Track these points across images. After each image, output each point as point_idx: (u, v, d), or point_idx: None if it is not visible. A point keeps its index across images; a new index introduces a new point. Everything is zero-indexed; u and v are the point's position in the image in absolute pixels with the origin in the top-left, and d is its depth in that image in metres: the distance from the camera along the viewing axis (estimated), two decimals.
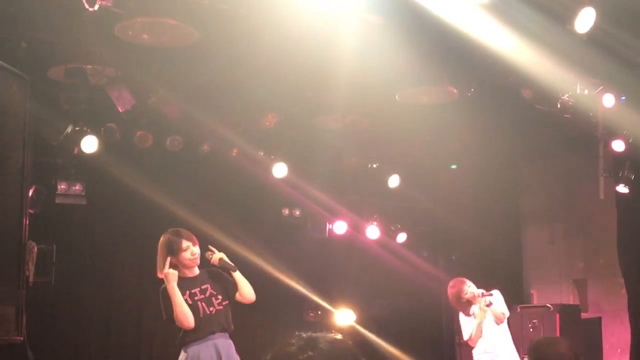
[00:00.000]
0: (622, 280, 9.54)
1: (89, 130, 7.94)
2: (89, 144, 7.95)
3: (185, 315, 5.24)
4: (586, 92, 7.67)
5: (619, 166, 8.81)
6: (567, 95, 7.77)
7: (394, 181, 10.18)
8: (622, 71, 7.29)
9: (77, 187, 8.45)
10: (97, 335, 9.11)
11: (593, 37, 6.32)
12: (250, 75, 7.43)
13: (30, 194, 6.86)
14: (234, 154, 9.18)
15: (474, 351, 7.43)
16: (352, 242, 10.75)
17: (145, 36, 6.35)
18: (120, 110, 7.52)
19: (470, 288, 7.34)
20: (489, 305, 7.23)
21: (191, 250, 5.37)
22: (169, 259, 5.31)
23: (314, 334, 1.78)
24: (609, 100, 7.76)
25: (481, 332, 7.32)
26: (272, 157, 9.30)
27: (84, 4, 5.46)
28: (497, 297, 7.34)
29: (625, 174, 8.81)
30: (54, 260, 7.72)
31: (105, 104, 7.59)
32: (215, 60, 7.03)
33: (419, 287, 10.56)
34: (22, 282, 4.87)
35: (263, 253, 9.19)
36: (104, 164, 8.19)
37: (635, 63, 7.19)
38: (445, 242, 11.44)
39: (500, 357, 7.27)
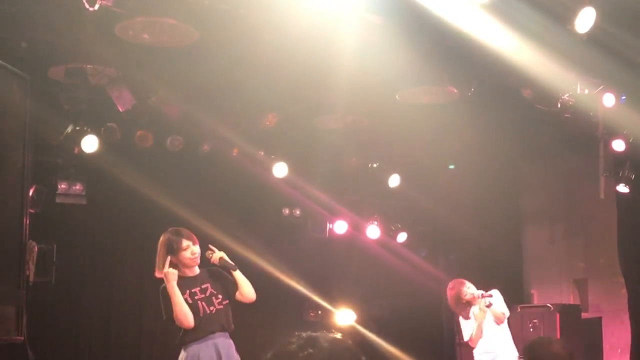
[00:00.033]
0: (622, 280, 9.54)
1: (89, 130, 7.94)
2: (90, 144, 7.95)
3: (185, 314, 5.24)
4: (586, 91, 7.66)
5: (619, 166, 8.81)
6: (567, 95, 7.77)
7: (394, 181, 10.18)
8: (623, 71, 7.28)
9: (78, 187, 8.46)
10: (97, 335, 9.12)
11: (593, 37, 6.32)
12: (251, 75, 7.43)
13: (30, 193, 6.86)
14: (234, 154, 9.18)
15: (474, 351, 7.43)
16: (353, 242, 10.76)
17: (145, 36, 6.36)
18: (120, 110, 7.53)
19: (469, 289, 7.33)
20: (489, 306, 7.23)
21: (191, 250, 5.37)
22: (168, 258, 5.31)
23: (313, 333, 1.79)
24: (609, 99, 7.76)
25: (481, 333, 7.32)
26: (273, 156, 9.30)
27: (84, 3, 5.46)
28: (496, 297, 7.34)
29: (626, 174, 8.81)
30: (54, 260, 7.73)
31: (105, 104, 7.59)
32: (215, 60, 7.03)
33: (419, 286, 10.56)
34: (22, 282, 4.88)
35: (263, 253, 9.19)
36: (104, 163, 8.19)
37: (636, 63, 7.18)
38: (445, 242, 11.44)
39: (501, 357, 7.27)
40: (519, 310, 9.46)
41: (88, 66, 7.19)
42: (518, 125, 9.27)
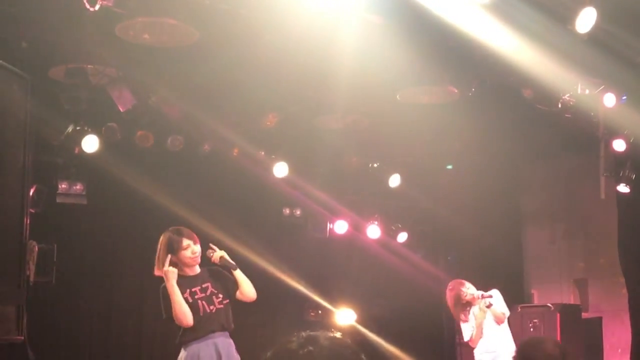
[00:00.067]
0: (622, 280, 9.54)
1: (89, 130, 7.94)
2: (90, 144, 7.96)
3: (184, 313, 5.24)
4: (587, 91, 7.66)
5: (619, 166, 8.81)
6: (568, 95, 7.77)
7: (394, 181, 10.18)
8: (623, 71, 7.28)
9: (78, 187, 8.46)
10: (97, 335, 9.12)
11: (594, 37, 6.32)
12: (251, 75, 7.43)
13: (31, 193, 6.86)
14: (234, 154, 9.18)
15: (475, 351, 7.44)
16: (353, 242, 10.76)
17: (146, 36, 6.36)
18: (121, 110, 7.53)
19: (469, 290, 7.33)
20: (489, 306, 7.23)
21: (192, 249, 5.37)
22: (169, 256, 5.31)
23: (313, 332, 1.80)
24: (609, 99, 7.75)
25: (482, 333, 7.32)
26: (273, 156, 9.30)
27: (84, 3, 5.47)
28: (496, 297, 7.34)
29: (626, 174, 8.81)
30: (55, 259, 7.74)
31: (106, 104, 7.59)
32: (215, 60, 7.03)
33: (419, 286, 10.56)
34: (22, 282, 4.88)
35: (264, 253, 9.19)
36: (104, 163, 8.19)
37: (636, 62, 7.18)
38: (445, 242, 11.44)
39: (502, 357, 7.26)
40: (520, 310, 9.46)
41: (89, 66, 7.19)
42: (519, 125, 9.26)
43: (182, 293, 5.29)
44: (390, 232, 10.73)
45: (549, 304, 9.61)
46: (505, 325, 7.44)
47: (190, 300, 5.32)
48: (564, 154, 10.41)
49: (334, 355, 1.74)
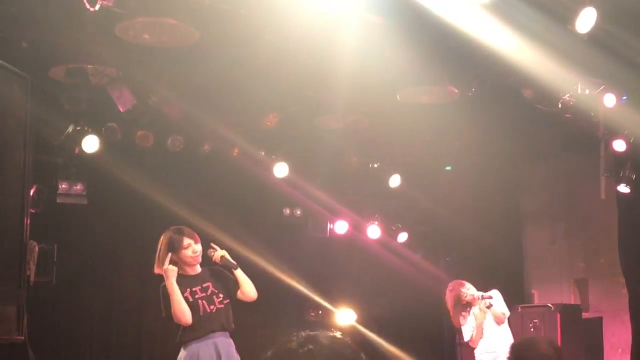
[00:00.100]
0: (623, 280, 9.54)
1: (90, 130, 7.94)
2: (90, 144, 7.95)
3: (182, 311, 5.24)
4: (587, 91, 7.66)
5: (620, 166, 8.80)
6: (568, 95, 7.76)
7: (394, 181, 10.18)
8: (623, 71, 7.28)
9: (78, 187, 8.46)
10: (98, 335, 9.11)
11: (594, 37, 6.32)
12: (251, 75, 7.43)
13: (31, 193, 6.85)
14: (235, 154, 9.18)
15: (476, 351, 7.44)
16: (353, 242, 10.76)
17: (146, 36, 6.36)
18: (121, 110, 7.53)
19: (469, 290, 7.34)
20: (489, 307, 7.23)
21: (192, 248, 5.38)
22: (169, 255, 5.32)
23: (312, 332, 1.80)
24: (610, 100, 7.75)
25: (482, 333, 7.33)
26: (273, 156, 9.30)
27: (85, 3, 5.47)
28: (496, 297, 7.35)
29: (627, 174, 8.81)
30: (55, 259, 7.72)
31: (106, 104, 7.59)
32: (216, 60, 7.03)
33: (420, 286, 10.55)
34: (23, 282, 4.89)
35: (264, 253, 9.19)
36: (105, 163, 8.19)
37: (636, 63, 7.18)
38: (446, 242, 11.44)
39: (502, 357, 7.26)
40: (520, 310, 9.46)
41: (89, 66, 7.19)
42: (519, 126, 9.26)
43: (183, 292, 5.29)
44: (390, 232, 10.73)
45: (549, 304, 9.61)
46: (505, 326, 7.44)
47: (191, 300, 5.32)
48: (564, 154, 10.41)
49: (334, 354, 1.74)
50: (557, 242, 10.99)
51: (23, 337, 5.01)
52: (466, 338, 7.48)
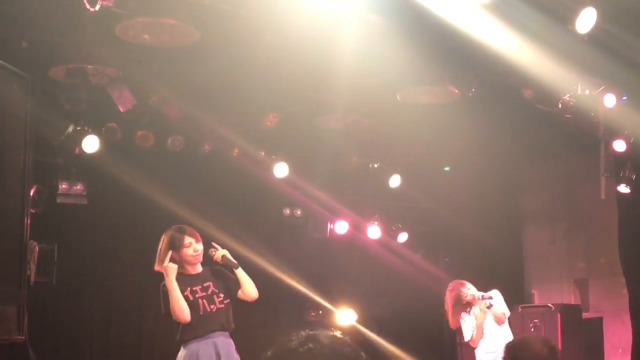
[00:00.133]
0: (623, 280, 9.54)
1: (90, 130, 7.94)
2: (90, 144, 7.95)
3: (181, 308, 5.24)
4: (587, 92, 7.66)
5: (620, 166, 8.80)
6: (568, 95, 7.76)
7: (394, 181, 10.18)
8: (624, 71, 7.28)
9: (79, 187, 8.46)
10: (98, 335, 9.11)
11: (594, 37, 6.32)
12: (251, 75, 7.43)
13: (31, 193, 6.85)
14: (235, 154, 9.18)
15: (476, 351, 7.44)
16: (353, 242, 10.75)
17: (146, 36, 6.36)
18: (121, 110, 7.53)
19: (470, 290, 7.34)
20: (489, 307, 7.23)
21: (194, 247, 5.38)
22: (170, 252, 5.33)
23: (313, 331, 1.80)
24: (610, 100, 7.75)
25: (482, 333, 7.32)
26: (273, 156, 9.30)
27: (85, 4, 5.47)
28: (497, 297, 7.35)
29: (627, 174, 8.80)
30: (55, 260, 7.72)
31: (106, 104, 7.59)
32: (216, 60, 7.03)
33: (420, 286, 10.55)
34: (23, 282, 4.88)
35: (264, 253, 9.18)
36: (105, 163, 8.19)
37: (637, 63, 7.18)
38: (446, 242, 11.44)
39: None
40: (520, 310, 9.46)
41: (89, 66, 7.19)
42: (519, 126, 9.26)
43: (183, 291, 5.30)
44: (390, 232, 10.73)
45: (549, 304, 9.61)
46: (506, 326, 7.44)
47: (191, 299, 5.32)
48: (564, 154, 10.41)
49: (335, 353, 1.74)
50: (557, 242, 10.99)
51: (23, 337, 5.01)
52: (466, 338, 7.48)
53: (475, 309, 7.33)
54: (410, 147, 9.92)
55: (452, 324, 7.53)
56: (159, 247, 5.40)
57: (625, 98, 7.96)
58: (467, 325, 7.40)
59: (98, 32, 6.29)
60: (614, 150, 8.52)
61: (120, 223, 9.25)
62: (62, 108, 7.70)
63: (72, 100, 7.60)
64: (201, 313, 5.32)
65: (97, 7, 5.50)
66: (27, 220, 4.84)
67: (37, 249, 7.28)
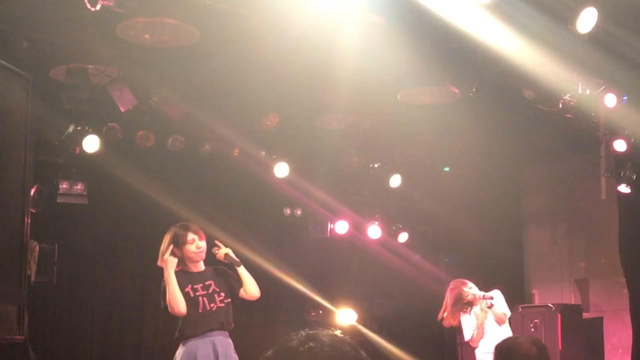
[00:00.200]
0: (623, 280, 9.54)
1: (90, 130, 7.93)
2: (91, 144, 7.95)
3: (176, 300, 5.23)
4: (588, 92, 7.65)
5: (620, 166, 8.81)
6: (569, 95, 7.75)
7: (395, 181, 10.18)
8: (624, 71, 7.29)
9: (79, 187, 8.46)
10: (98, 335, 9.11)
11: (595, 37, 6.32)
12: (252, 75, 7.43)
13: (32, 193, 6.86)
14: (235, 154, 9.17)
15: (476, 351, 7.43)
16: (354, 242, 10.75)
17: (146, 36, 6.36)
18: (121, 109, 7.53)
19: (471, 290, 7.33)
20: (490, 307, 7.23)
21: (196, 244, 5.39)
22: (171, 246, 5.34)
23: (312, 331, 1.81)
24: (610, 100, 7.75)
25: (483, 333, 7.32)
26: (274, 156, 9.30)
27: (85, 3, 5.47)
28: (498, 297, 7.34)
29: (627, 174, 8.81)
30: (56, 259, 7.74)
31: (106, 104, 7.59)
32: (216, 60, 7.04)
33: (420, 286, 10.55)
34: (23, 282, 4.89)
35: (264, 253, 9.18)
36: (105, 163, 8.19)
37: (637, 63, 7.18)
38: (446, 242, 11.44)
39: None
40: (520, 310, 9.45)
41: (89, 66, 7.19)
42: (520, 126, 9.27)
43: (184, 287, 5.31)
44: (391, 232, 10.72)
45: (549, 304, 9.61)
46: (506, 326, 7.44)
47: (192, 295, 5.33)
48: (565, 154, 10.41)
49: (335, 352, 1.75)
50: (557, 242, 10.99)
51: (24, 337, 5.02)
52: (467, 338, 7.48)
53: (476, 309, 7.32)
54: (411, 147, 9.92)
55: (448, 322, 7.47)
56: (162, 242, 5.41)
57: (625, 98, 7.96)
58: (468, 324, 7.39)
59: (99, 32, 6.29)
60: (614, 150, 8.52)
61: (120, 223, 9.25)
62: (62, 108, 7.70)
63: (73, 100, 7.59)
64: (200, 311, 5.32)
65: (98, 7, 5.50)
66: (28, 220, 4.84)
67: (38, 249, 7.30)
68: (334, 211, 10.38)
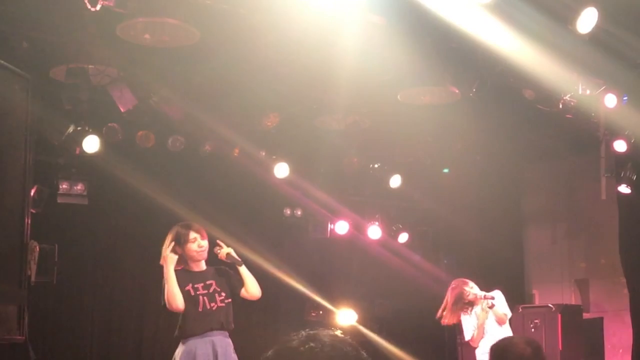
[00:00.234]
0: (623, 280, 9.54)
1: (90, 130, 7.93)
2: (91, 144, 7.94)
3: (174, 296, 5.24)
4: (588, 92, 7.65)
5: (620, 166, 8.80)
6: (569, 95, 7.75)
7: (395, 181, 10.17)
8: (625, 71, 7.29)
9: (79, 187, 8.46)
10: (98, 335, 9.11)
11: (595, 37, 6.32)
12: (252, 75, 7.43)
13: (32, 193, 6.86)
14: (235, 154, 9.17)
15: (477, 351, 7.43)
16: (354, 242, 10.75)
17: (146, 36, 6.36)
18: (121, 110, 7.53)
19: (473, 289, 7.33)
20: (491, 307, 7.23)
21: (198, 243, 5.40)
22: (172, 243, 5.35)
23: (313, 331, 1.81)
24: (611, 100, 7.75)
25: (483, 333, 7.32)
26: (274, 157, 9.30)
27: (85, 3, 5.47)
28: (499, 298, 7.34)
29: (627, 174, 8.81)
30: (56, 259, 7.74)
31: (106, 104, 7.59)
32: (216, 60, 7.03)
33: (420, 286, 10.54)
34: (23, 282, 4.88)
35: (265, 253, 9.18)
36: (105, 163, 8.19)
37: (638, 63, 7.18)
38: (447, 242, 11.44)
39: None
40: (521, 310, 9.45)
41: (89, 66, 7.18)
42: (520, 126, 9.26)
43: (185, 286, 5.32)
44: (391, 232, 10.72)
45: (550, 304, 9.61)
46: (507, 326, 7.44)
47: (192, 294, 5.34)
48: (565, 154, 10.41)
49: (335, 351, 1.75)
50: (558, 242, 10.99)
51: (24, 337, 5.01)
52: (467, 337, 7.48)
53: (477, 309, 7.32)
54: (411, 148, 9.92)
55: (446, 320, 7.46)
56: (164, 241, 5.42)
57: (626, 98, 7.96)
58: (469, 324, 7.40)
59: (99, 32, 6.29)
60: (614, 151, 8.52)
61: (120, 223, 9.25)
62: (62, 108, 7.69)
63: (73, 100, 7.59)
64: (200, 310, 5.32)
65: (98, 7, 5.50)
66: (28, 220, 4.84)
67: (38, 249, 7.30)
68: (334, 211, 10.37)
